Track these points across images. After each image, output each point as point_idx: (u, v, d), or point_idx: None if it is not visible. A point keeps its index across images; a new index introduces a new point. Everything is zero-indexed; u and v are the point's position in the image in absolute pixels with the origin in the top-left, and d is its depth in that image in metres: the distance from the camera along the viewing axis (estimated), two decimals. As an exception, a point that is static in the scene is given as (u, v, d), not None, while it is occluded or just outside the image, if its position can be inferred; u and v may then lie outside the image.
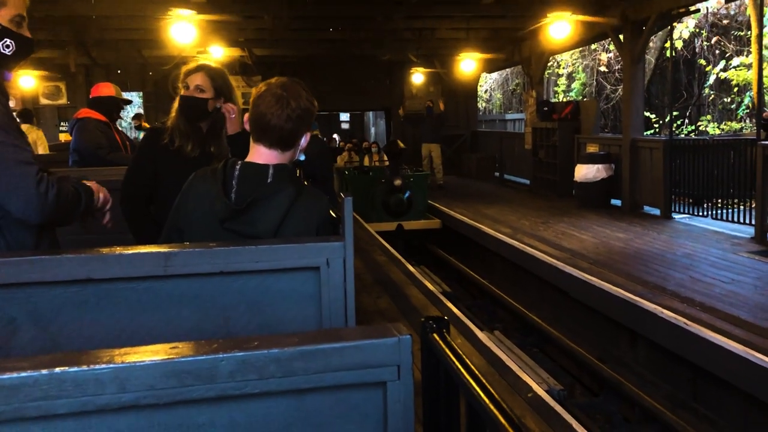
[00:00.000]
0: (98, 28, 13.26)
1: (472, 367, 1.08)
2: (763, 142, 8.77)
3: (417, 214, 12.32)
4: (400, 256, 8.48)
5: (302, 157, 2.52)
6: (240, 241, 2.13)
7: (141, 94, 17.80)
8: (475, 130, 19.65)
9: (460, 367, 1.10)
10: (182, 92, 3.19)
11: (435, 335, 1.25)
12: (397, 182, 12.00)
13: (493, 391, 0.97)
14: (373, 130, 27.30)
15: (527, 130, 15.38)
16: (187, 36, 11.28)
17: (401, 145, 13.16)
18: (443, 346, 1.21)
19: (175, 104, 3.23)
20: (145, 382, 1.20)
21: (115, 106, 5.52)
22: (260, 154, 2.26)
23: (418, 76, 17.77)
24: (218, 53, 13.98)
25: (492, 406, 0.93)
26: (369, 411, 1.29)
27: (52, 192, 2.27)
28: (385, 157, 14.23)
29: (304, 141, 2.32)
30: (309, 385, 1.26)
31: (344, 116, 28.93)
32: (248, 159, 2.28)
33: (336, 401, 1.29)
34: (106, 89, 5.49)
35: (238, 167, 2.24)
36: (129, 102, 6.38)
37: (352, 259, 2.10)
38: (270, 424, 1.27)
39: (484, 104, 24.77)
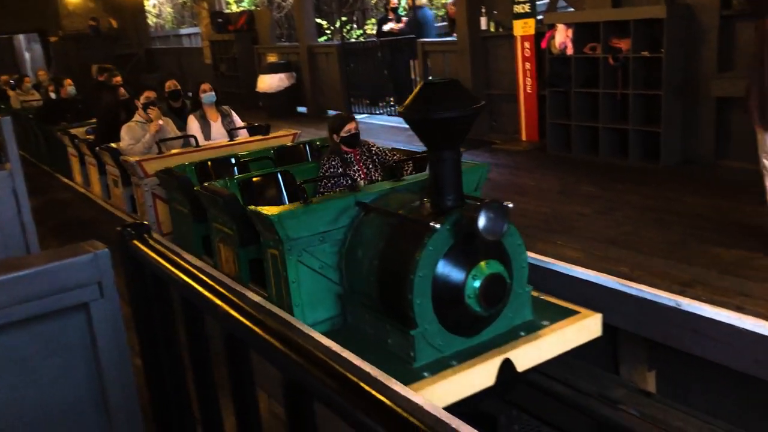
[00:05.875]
0: None
1: (182, 262, 1.03)
2: (420, 40, 9.68)
3: (521, 309, 3.47)
4: (92, 194, 7.37)
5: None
6: None
7: None
8: (149, 48, 18.45)
9: (168, 265, 1.04)
10: None
11: (136, 241, 1.16)
12: (485, 223, 2.98)
13: (206, 279, 0.93)
14: (27, 56, 23.97)
15: (205, 44, 14.89)
16: None
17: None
18: (147, 249, 1.13)
19: None
20: None
21: None
22: None
23: (73, -9, 15.92)
24: None
25: (208, 293, 0.90)
26: (73, 337, 1.16)
27: None
28: (239, 121, 6.25)
29: None
30: (-6, 324, 1.09)
31: (-12, 42, 24.83)
32: None
33: (32, 336, 1.14)
34: None
35: None
36: None
37: (24, 186, 1.85)
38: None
39: (154, 20, 23.24)
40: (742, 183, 5.37)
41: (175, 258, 1.03)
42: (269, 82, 11.91)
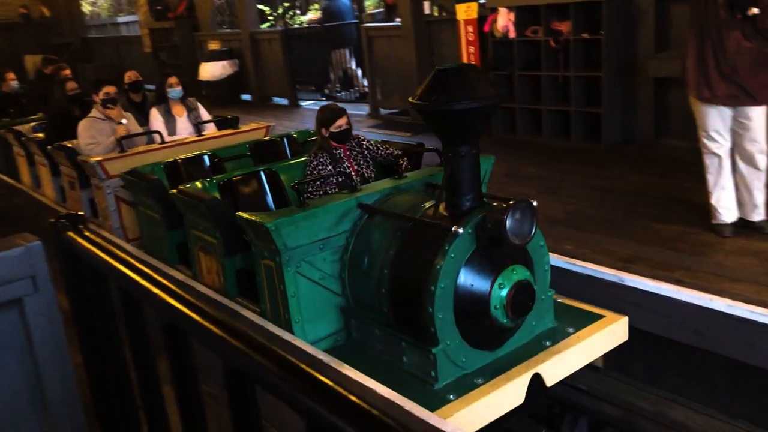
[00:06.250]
0: None
1: (118, 252, 1.00)
2: (364, 25, 9.63)
3: (544, 315, 3.22)
4: (44, 197, 6.62)
5: None
6: None
7: None
8: (85, 37, 17.88)
9: (104, 255, 1.01)
10: None
11: (70, 233, 1.12)
12: (513, 225, 2.76)
13: (144, 268, 0.91)
14: (-44, 47, 22.90)
15: (143, 32, 14.50)
16: None
17: None
18: (82, 240, 1.09)
19: None
20: None
21: None
22: None
23: (2, -22, 15.27)
24: None
25: (145, 282, 0.87)
26: (7, 333, 1.11)
27: None
28: (206, 114, 6.12)
29: None
30: None
31: None
32: None
33: (-38, 334, 1.09)
34: None
35: None
36: None
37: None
38: None
39: (89, 8, 22.50)
40: (681, 161, 5.53)
41: (112, 248, 1.00)
42: (212, 70, 11.68)
